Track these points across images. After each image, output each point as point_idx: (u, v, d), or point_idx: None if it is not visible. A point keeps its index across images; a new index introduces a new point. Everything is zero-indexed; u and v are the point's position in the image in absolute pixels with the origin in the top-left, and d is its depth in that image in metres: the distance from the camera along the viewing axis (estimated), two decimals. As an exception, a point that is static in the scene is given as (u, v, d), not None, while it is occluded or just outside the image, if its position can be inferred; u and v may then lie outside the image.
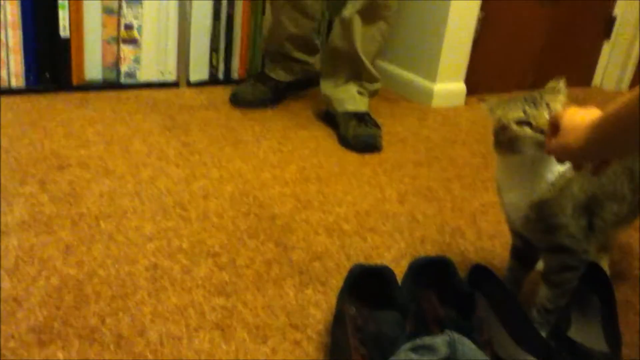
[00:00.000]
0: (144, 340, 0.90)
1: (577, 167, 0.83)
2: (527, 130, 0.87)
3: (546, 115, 0.86)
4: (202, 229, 1.21)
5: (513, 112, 0.88)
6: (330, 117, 1.84)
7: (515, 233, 1.04)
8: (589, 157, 0.79)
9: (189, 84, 2.04)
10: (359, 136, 1.71)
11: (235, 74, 2.13)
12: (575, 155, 0.78)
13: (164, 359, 0.87)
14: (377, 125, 1.78)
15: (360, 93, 1.82)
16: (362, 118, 1.77)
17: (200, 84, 2.05)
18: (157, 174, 1.40)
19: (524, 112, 0.87)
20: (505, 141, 0.90)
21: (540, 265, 1.04)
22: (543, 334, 0.96)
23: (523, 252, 1.05)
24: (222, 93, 2.00)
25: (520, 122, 0.87)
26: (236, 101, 1.91)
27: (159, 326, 0.93)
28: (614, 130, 0.70)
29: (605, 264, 1.16)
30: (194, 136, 1.64)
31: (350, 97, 1.81)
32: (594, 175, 0.83)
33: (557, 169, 0.90)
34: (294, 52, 1.91)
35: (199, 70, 2.05)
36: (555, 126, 0.81)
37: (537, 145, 0.86)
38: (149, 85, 1.96)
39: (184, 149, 1.55)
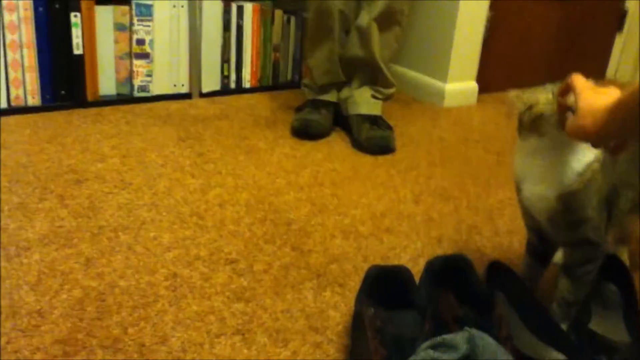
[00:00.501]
0: (166, 347, 0.91)
1: (595, 147, 0.82)
2: (554, 107, 0.86)
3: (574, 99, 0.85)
4: (219, 236, 1.22)
5: (541, 94, 0.88)
6: (343, 121, 1.85)
7: (531, 229, 1.04)
8: (609, 139, 0.78)
9: (202, 95, 2.06)
10: (372, 138, 1.71)
11: (247, 84, 2.15)
12: (594, 137, 0.78)
13: (186, 366, 0.89)
14: (389, 128, 1.79)
15: (374, 97, 1.83)
16: (375, 121, 1.77)
17: (213, 95, 2.07)
18: (173, 185, 1.42)
19: (552, 94, 0.87)
20: (529, 121, 0.89)
21: (557, 258, 1.04)
22: (564, 327, 0.96)
23: (539, 249, 1.04)
24: (234, 103, 2.02)
25: (547, 103, 0.87)
26: (308, 133, 1.76)
27: (181, 333, 0.95)
28: (634, 112, 0.70)
29: (624, 256, 1.15)
30: (208, 146, 1.66)
31: (364, 101, 1.82)
32: (612, 156, 0.82)
33: (585, 160, 0.89)
34: (344, 74, 1.86)
35: (210, 81, 2.07)
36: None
37: (561, 127, 0.85)
38: (162, 98, 1.98)
39: (199, 159, 1.57)
